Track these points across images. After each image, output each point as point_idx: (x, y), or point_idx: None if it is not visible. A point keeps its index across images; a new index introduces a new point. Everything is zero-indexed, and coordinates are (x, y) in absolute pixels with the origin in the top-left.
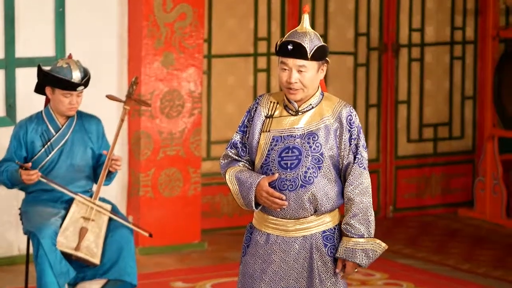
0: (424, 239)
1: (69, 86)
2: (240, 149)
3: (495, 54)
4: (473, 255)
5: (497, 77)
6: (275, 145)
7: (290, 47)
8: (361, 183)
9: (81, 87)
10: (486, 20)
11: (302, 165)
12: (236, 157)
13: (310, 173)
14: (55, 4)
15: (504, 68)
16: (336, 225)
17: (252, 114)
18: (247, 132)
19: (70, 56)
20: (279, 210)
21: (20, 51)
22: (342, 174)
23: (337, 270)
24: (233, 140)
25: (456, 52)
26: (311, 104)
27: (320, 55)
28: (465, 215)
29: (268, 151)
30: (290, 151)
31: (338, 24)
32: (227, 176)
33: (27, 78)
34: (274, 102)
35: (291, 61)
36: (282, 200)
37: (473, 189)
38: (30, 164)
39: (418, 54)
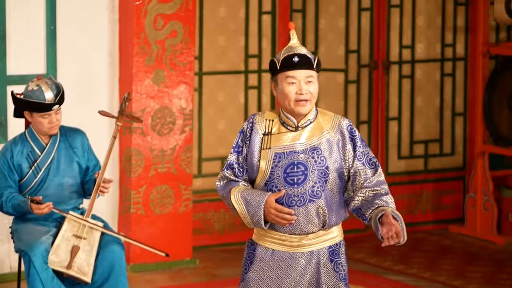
0: (415, 256)
1: (44, 108)
2: (236, 170)
3: (485, 71)
4: (464, 271)
5: (487, 94)
6: (279, 161)
7: (296, 59)
8: (384, 182)
9: (56, 106)
10: (476, 37)
11: (309, 180)
12: (234, 178)
13: (317, 187)
14: (47, 22)
15: (494, 84)
16: (341, 240)
17: (248, 134)
18: (242, 152)
19: (39, 77)
20: (287, 225)
21: (11, 69)
22: (352, 182)
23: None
24: (229, 162)
25: (446, 69)
26: (309, 119)
27: (319, 66)
28: (456, 232)
29: (272, 168)
30: (295, 166)
31: (329, 41)
32: (232, 197)
33: None
34: (269, 120)
35: (299, 73)
36: (291, 215)
37: (464, 205)
38: (40, 197)
39: (409, 71)
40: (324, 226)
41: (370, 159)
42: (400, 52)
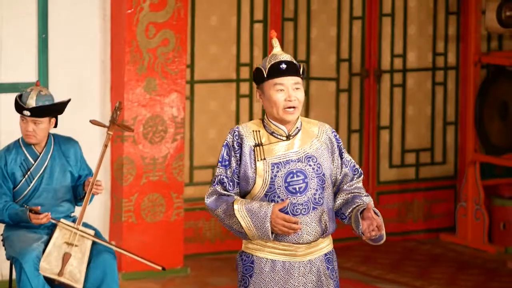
0: (406, 264)
1: (17, 107)
2: (227, 184)
3: (477, 80)
4: (455, 280)
5: (478, 103)
6: (278, 171)
7: (283, 66)
8: (363, 188)
9: (27, 113)
10: (467, 46)
11: (310, 188)
12: (225, 192)
13: (319, 195)
14: (38, 30)
15: (486, 93)
16: (332, 248)
17: (237, 147)
18: (231, 165)
19: (37, 84)
20: (292, 235)
21: (3, 77)
22: (336, 186)
23: (365, 227)
24: (219, 177)
25: (438, 78)
26: (297, 127)
27: (305, 73)
28: (447, 240)
29: (271, 178)
30: (295, 175)
31: (320, 50)
32: (236, 211)
33: (10, 103)
34: (256, 131)
35: (287, 80)
36: (298, 224)
37: (455, 214)
38: (39, 207)
39: (400, 79)
40: (324, 233)
41: (354, 166)
42: (392, 61)
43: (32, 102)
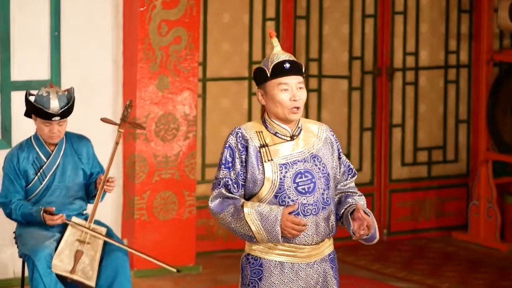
0: (418, 263)
1: (45, 116)
2: (231, 186)
3: (489, 78)
4: (467, 278)
5: (491, 101)
6: (286, 172)
7: (287, 65)
8: (356, 188)
9: (57, 118)
10: (480, 44)
11: (318, 188)
12: (230, 195)
13: (326, 194)
14: (51, 28)
15: (498, 91)
16: (333, 248)
17: (242, 148)
18: (234, 167)
19: (51, 85)
20: (301, 236)
21: (16, 74)
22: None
23: (356, 228)
24: (224, 179)
25: (450, 76)
26: (299, 127)
27: (306, 72)
28: (459, 239)
29: (280, 179)
30: (303, 175)
31: (333, 48)
32: (246, 216)
33: (22, 101)
34: (259, 132)
35: (291, 79)
36: (305, 225)
37: (467, 212)
38: (53, 208)
39: (412, 77)
40: (330, 233)
41: (349, 165)
42: (404, 59)
43: (56, 105)
